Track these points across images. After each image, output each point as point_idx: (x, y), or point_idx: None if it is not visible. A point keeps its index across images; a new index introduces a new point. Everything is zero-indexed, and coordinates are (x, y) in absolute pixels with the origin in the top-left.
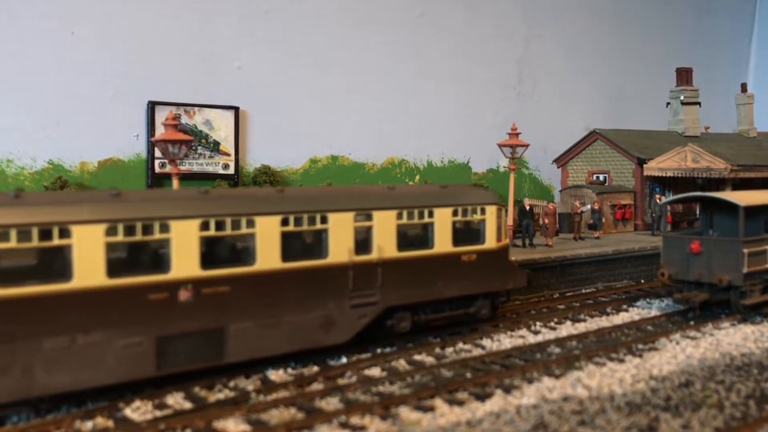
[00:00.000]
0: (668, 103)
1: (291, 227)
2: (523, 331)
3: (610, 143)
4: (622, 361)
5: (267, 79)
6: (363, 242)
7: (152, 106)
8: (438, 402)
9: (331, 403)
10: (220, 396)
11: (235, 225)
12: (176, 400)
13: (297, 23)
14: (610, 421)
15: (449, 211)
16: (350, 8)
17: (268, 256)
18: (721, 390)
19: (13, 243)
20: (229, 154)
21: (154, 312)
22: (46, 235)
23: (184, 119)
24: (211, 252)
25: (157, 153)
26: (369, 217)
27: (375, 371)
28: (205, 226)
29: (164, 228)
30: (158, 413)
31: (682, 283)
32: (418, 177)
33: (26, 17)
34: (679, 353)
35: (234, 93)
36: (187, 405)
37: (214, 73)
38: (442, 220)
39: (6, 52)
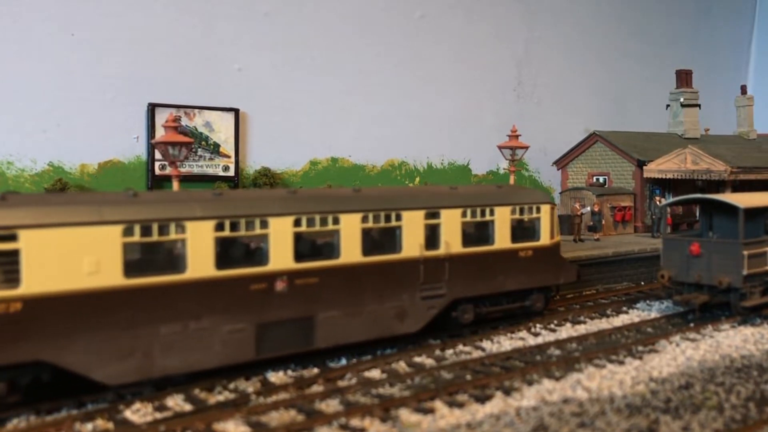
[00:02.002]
0: (668, 105)
1: (370, 224)
2: (523, 333)
3: (610, 145)
4: (622, 363)
5: (267, 81)
6: (432, 238)
7: (152, 108)
8: (438, 404)
9: (331, 405)
10: (220, 398)
11: (323, 222)
12: (176, 402)
13: (297, 25)
14: (610, 423)
15: (508, 209)
16: (350, 10)
17: (350, 251)
18: (720, 392)
19: (137, 237)
20: (229, 156)
21: (254, 301)
22: (164, 230)
23: (185, 121)
24: (303, 246)
25: (158, 155)
26: (437, 215)
27: (375, 373)
28: (297, 223)
29: (264, 224)
30: (158, 415)
31: (682, 285)
32: (418, 179)
33: (27, 19)
34: (679, 355)
35: (234, 95)
36: (187, 407)
37: (215, 75)
38: (502, 218)
39: (7, 54)
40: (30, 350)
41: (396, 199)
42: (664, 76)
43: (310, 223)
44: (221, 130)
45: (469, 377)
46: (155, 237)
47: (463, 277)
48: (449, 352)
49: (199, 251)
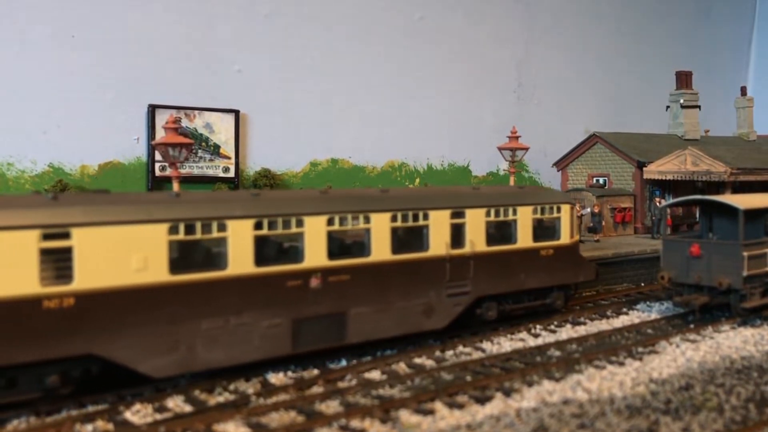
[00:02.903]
0: (668, 107)
1: (399, 223)
2: (523, 334)
3: (610, 146)
4: (622, 364)
5: (267, 83)
6: (457, 237)
7: (152, 109)
8: (438, 405)
9: (331, 406)
10: (221, 399)
11: (354, 221)
12: (176, 404)
13: (297, 27)
14: (610, 424)
15: (530, 209)
16: (350, 12)
17: (380, 249)
18: (721, 393)
19: (181, 235)
20: (229, 157)
21: (290, 297)
22: (206, 228)
23: (185, 122)
24: (335, 245)
25: (158, 156)
26: (462, 215)
27: (375, 374)
28: (330, 222)
29: (299, 223)
30: (158, 416)
31: (682, 286)
32: (418, 180)
33: (27, 21)
34: (679, 356)
35: (234, 96)
36: (188, 408)
37: (215, 77)
38: (524, 218)
39: (7, 55)
40: (82, 344)
41: (423, 199)
42: (664, 78)
43: (343, 222)
44: (221, 132)
45: (469, 378)
46: (198, 235)
47: (487, 275)
48: (449, 353)
49: (239, 249)
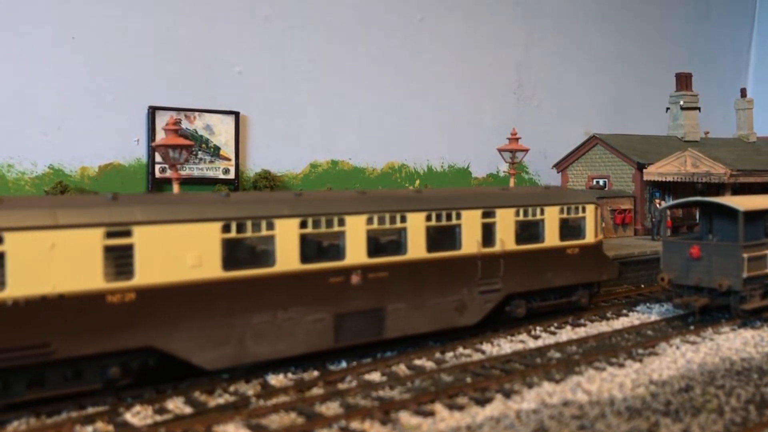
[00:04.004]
0: (668, 108)
1: (433, 222)
2: (523, 336)
3: (610, 148)
4: (622, 365)
5: (267, 84)
6: (488, 236)
7: (153, 111)
8: (438, 407)
9: (331, 408)
10: (221, 401)
11: (392, 220)
12: (176, 405)
13: (297, 29)
14: (610, 426)
15: (557, 209)
16: (350, 13)
17: (416, 247)
18: (721, 395)
19: (233, 234)
20: (229, 159)
21: (333, 293)
22: (256, 227)
23: (185, 124)
24: (374, 243)
25: (158, 158)
26: (493, 215)
27: (375, 376)
28: (370, 221)
29: (341, 222)
30: (158, 418)
31: (682, 288)
32: (418, 182)
33: (27, 22)
34: (679, 358)
35: (234, 98)
36: (188, 410)
37: (215, 78)
38: (551, 218)
39: (7, 57)
40: (142, 337)
41: (456, 199)
42: (663, 79)
43: (381, 221)
44: (221, 133)
45: (469, 380)
46: (249, 233)
47: (516, 273)
48: (449, 354)
49: (286, 247)
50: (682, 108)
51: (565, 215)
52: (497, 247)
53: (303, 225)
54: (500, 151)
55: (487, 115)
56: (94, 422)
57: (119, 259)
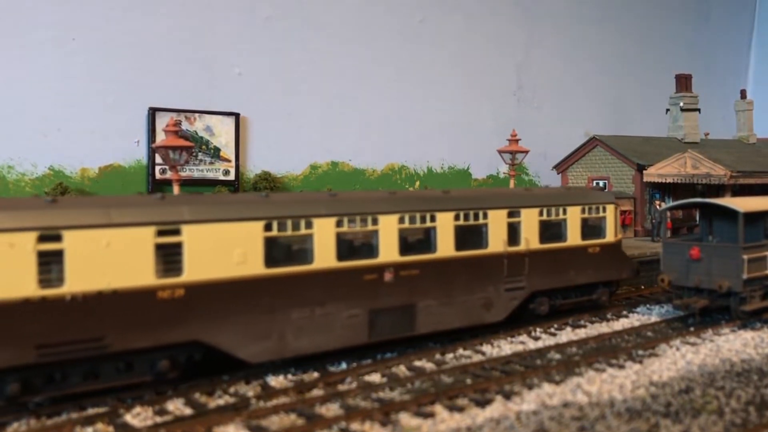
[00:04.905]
0: (668, 110)
1: (461, 222)
2: (523, 337)
3: (610, 149)
4: (622, 367)
5: (267, 86)
6: (513, 235)
7: (153, 112)
8: (438, 408)
9: (331, 409)
10: (221, 402)
11: (422, 219)
12: (176, 406)
13: (297, 30)
14: (610, 427)
15: (578, 209)
16: (350, 15)
17: (445, 246)
18: (721, 396)
19: (275, 232)
20: (229, 160)
21: (367, 289)
22: (296, 226)
23: (185, 125)
24: (405, 241)
25: (158, 159)
26: (518, 214)
27: (375, 377)
28: (401, 220)
29: (375, 221)
30: (158, 419)
31: (682, 289)
32: (418, 183)
33: (28, 24)
34: (679, 359)
35: (234, 99)
36: (188, 411)
37: (215, 80)
38: (573, 217)
39: (7, 58)
40: (190, 331)
41: (482, 199)
42: (663, 81)
43: (412, 220)
44: (221, 135)
45: (469, 381)
46: (289, 232)
47: (540, 271)
48: (449, 356)
49: (324, 245)
50: (682, 109)
51: (586, 215)
52: (522, 246)
53: (339, 224)
54: (500, 152)
55: (487, 117)
56: (94, 423)
57: (169, 257)
